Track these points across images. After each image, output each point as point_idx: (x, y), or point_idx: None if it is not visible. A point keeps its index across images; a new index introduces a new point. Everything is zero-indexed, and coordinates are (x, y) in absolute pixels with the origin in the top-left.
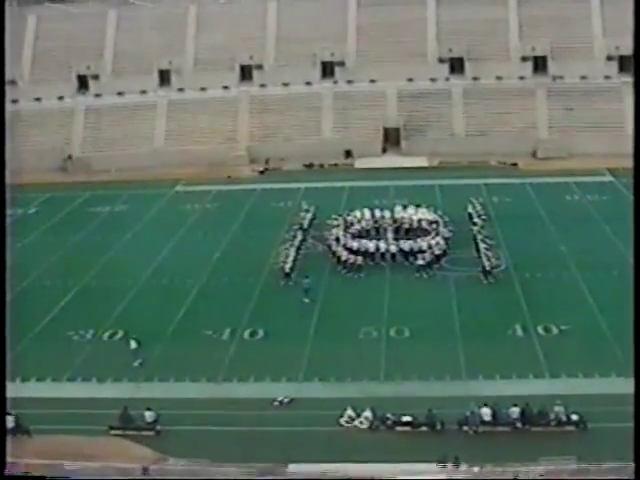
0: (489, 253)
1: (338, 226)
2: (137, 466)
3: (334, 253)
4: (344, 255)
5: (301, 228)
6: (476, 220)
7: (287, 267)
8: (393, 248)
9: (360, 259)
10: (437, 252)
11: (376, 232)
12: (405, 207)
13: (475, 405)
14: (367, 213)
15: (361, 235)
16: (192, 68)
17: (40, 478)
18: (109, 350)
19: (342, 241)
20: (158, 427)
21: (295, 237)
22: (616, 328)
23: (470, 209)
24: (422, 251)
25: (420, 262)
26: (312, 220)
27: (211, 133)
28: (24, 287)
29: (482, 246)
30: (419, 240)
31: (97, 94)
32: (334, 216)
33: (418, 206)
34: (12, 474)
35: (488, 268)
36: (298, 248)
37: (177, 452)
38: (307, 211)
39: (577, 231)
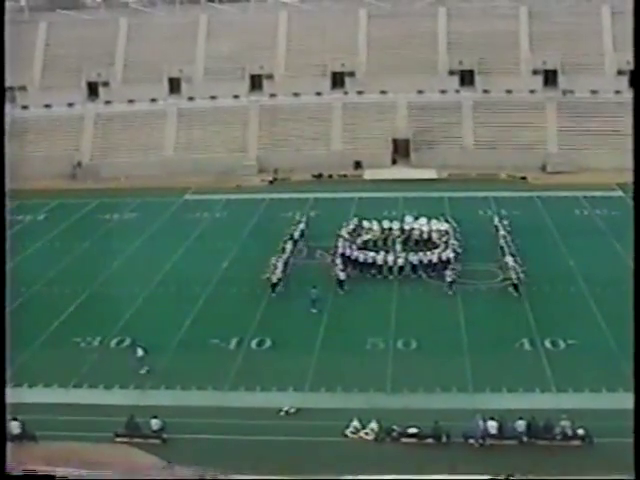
0: (517, 267)
1: (345, 237)
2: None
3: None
4: (338, 271)
5: (291, 239)
6: (503, 233)
7: (274, 278)
8: (400, 261)
9: (342, 275)
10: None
11: (384, 243)
12: (417, 218)
13: (479, 417)
14: (375, 225)
15: (367, 247)
16: (202, 77)
17: (46, 477)
18: (116, 357)
19: (347, 253)
20: (164, 435)
21: (285, 248)
22: (624, 343)
23: (496, 222)
24: (433, 264)
25: (449, 279)
26: (303, 231)
27: (220, 142)
28: (32, 293)
29: (510, 259)
30: (428, 253)
31: (107, 101)
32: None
33: (429, 219)
34: (13, 474)
35: (516, 282)
36: (287, 259)
37: (183, 460)
38: (299, 222)
39: (586, 246)
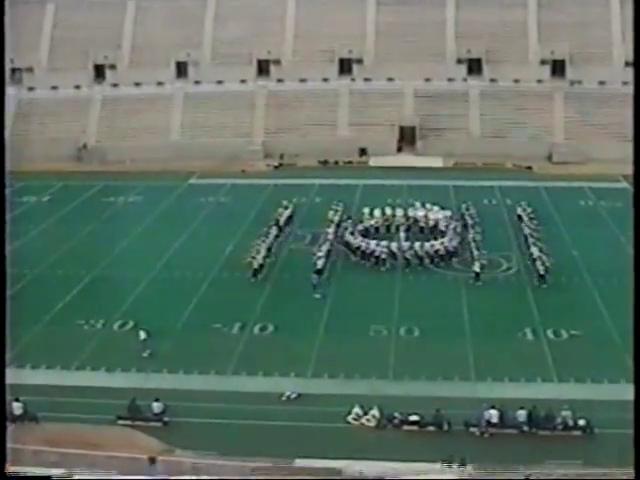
0: (543, 257)
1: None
2: (144, 457)
3: (357, 248)
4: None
5: (277, 224)
6: (528, 223)
7: (255, 263)
8: (406, 251)
9: (320, 263)
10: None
11: (387, 230)
12: (424, 204)
13: (486, 406)
14: (377, 212)
15: (367, 234)
16: (209, 61)
17: (43, 478)
18: (119, 340)
19: (350, 240)
20: (166, 418)
21: (269, 233)
22: (626, 335)
23: (520, 211)
24: (438, 253)
25: (476, 269)
26: (290, 217)
27: (227, 127)
28: (36, 275)
29: (535, 249)
30: (435, 243)
31: (114, 84)
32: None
33: (434, 204)
34: (13, 474)
35: (542, 272)
36: (271, 244)
37: (184, 444)
38: (286, 207)
39: (590, 236)
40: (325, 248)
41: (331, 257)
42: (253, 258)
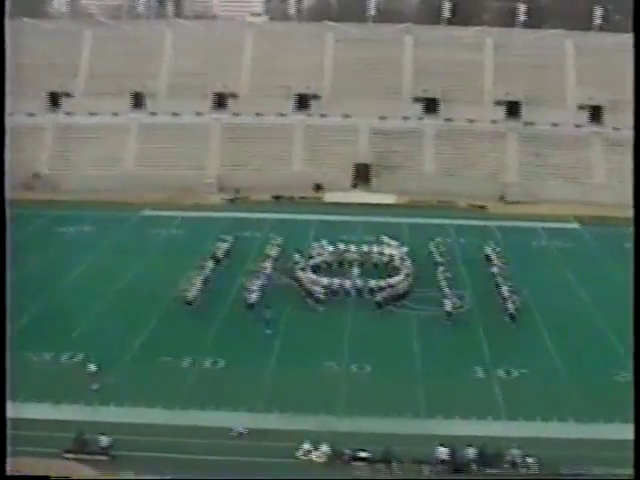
0: (514, 296)
1: (299, 261)
2: None
3: (301, 285)
4: (313, 287)
5: (213, 257)
6: (496, 263)
7: (190, 296)
8: (348, 284)
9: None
10: (401, 290)
11: (339, 266)
12: (380, 242)
13: (436, 444)
14: (329, 246)
15: (317, 269)
16: (166, 92)
17: (43, 478)
18: (67, 372)
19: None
20: (112, 452)
21: (204, 266)
22: (575, 374)
23: (489, 251)
24: (383, 288)
25: (448, 309)
26: (228, 251)
27: (181, 159)
28: None
29: (505, 289)
30: (390, 280)
31: (68, 112)
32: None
33: (385, 242)
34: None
35: (512, 311)
36: (207, 277)
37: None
38: (224, 241)
39: (541, 276)
40: (259, 282)
41: (266, 291)
42: (187, 291)
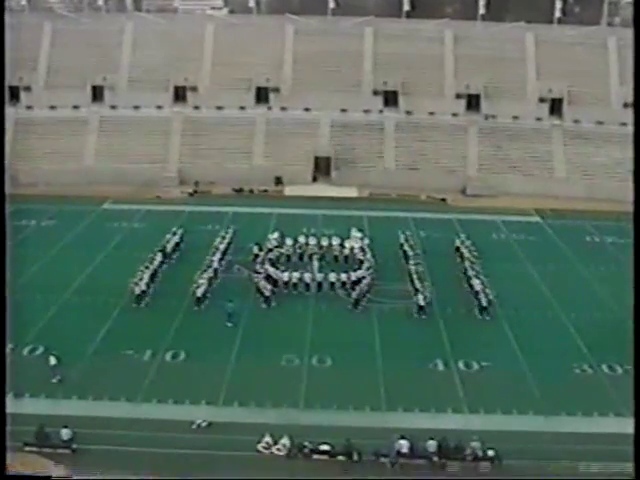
0: (487, 290)
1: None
2: None
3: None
4: (261, 284)
5: (162, 251)
6: (468, 256)
7: (137, 289)
8: (307, 277)
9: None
10: (365, 284)
11: (300, 259)
12: (341, 238)
13: (397, 437)
14: (287, 240)
15: (277, 262)
16: (126, 86)
17: (43, 478)
18: (28, 365)
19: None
20: (74, 445)
21: (154, 260)
22: (535, 366)
23: (458, 243)
24: (353, 282)
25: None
26: (177, 244)
27: (142, 153)
28: None
29: (477, 282)
30: (352, 273)
31: (28, 106)
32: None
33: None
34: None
35: (485, 304)
36: (155, 270)
37: (92, 471)
38: (174, 234)
39: (501, 269)
40: (207, 275)
41: (213, 284)
42: (136, 284)
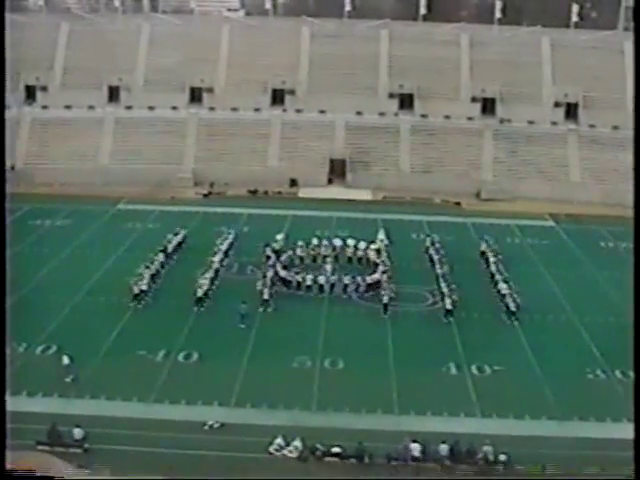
0: (514, 294)
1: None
2: None
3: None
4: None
5: (164, 251)
6: (492, 259)
7: (136, 289)
8: (321, 279)
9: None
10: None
11: (313, 261)
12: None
13: (408, 440)
14: (299, 242)
15: (291, 264)
16: (142, 86)
17: (44, 478)
18: (41, 364)
19: (274, 270)
20: (86, 445)
21: (154, 260)
22: (548, 371)
23: (484, 247)
24: (368, 285)
25: (448, 306)
26: (179, 244)
27: (157, 153)
28: None
29: (503, 286)
30: (365, 276)
31: (44, 106)
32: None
33: (370, 241)
34: (13, 474)
35: (513, 309)
36: (156, 271)
37: (103, 470)
38: (176, 234)
39: (516, 274)
40: (209, 275)
41: (215, 284)
42: (135, 284)
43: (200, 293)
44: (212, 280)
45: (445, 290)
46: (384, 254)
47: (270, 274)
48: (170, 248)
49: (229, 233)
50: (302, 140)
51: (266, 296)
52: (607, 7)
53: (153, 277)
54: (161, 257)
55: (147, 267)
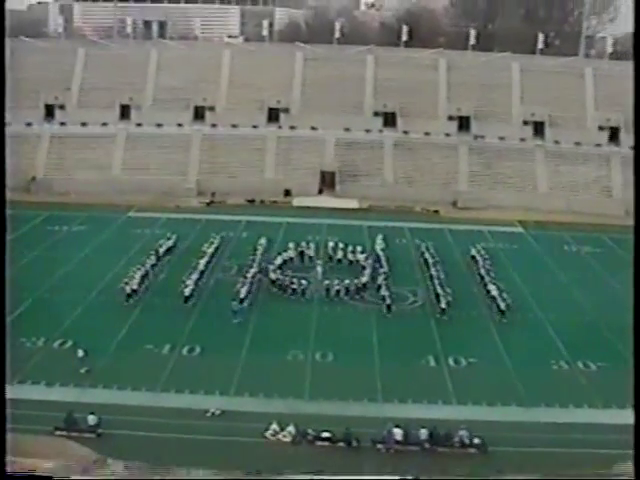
0: (504, 294)
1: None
2: (77, 465)
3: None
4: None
5: (155, 254)
6: (483, 264)
7: (128, 288)
8: (311, 281)
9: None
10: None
11: (301, 260)
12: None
13: (392, 425)
14: (291, 244)
15: (282, 267)
16: (150, 105)
17: (43, 478)
18: (58, 357)
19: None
20: (99, 430)
21: (146, 262)
22: (517, 363)
23: (474, 252)
24: (358, 288)
25: (443, 306)
26: (171, 248)
27: (164, 166)
28: None
29: (493, 287)
30: (353, 279)
31: (62, 123)
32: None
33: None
34: (13, 474)
35: (504, 308)
36: (146, 272)
37: (115, 454)
38: (168, 239)
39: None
40: (194, 277)
41: (199, 286)
42: (126, 284)
43: (186, 293)
44: (196, 281)
45: (440, 291)
46: (383, 258)
47: (250, 275)
48: (161, 252)
49: (215, 238)
50: (295, 154)
51: (242, 295)
52: (569, 36)
53: (143, 277)
54: (152, 259)
55: (138, 268)
